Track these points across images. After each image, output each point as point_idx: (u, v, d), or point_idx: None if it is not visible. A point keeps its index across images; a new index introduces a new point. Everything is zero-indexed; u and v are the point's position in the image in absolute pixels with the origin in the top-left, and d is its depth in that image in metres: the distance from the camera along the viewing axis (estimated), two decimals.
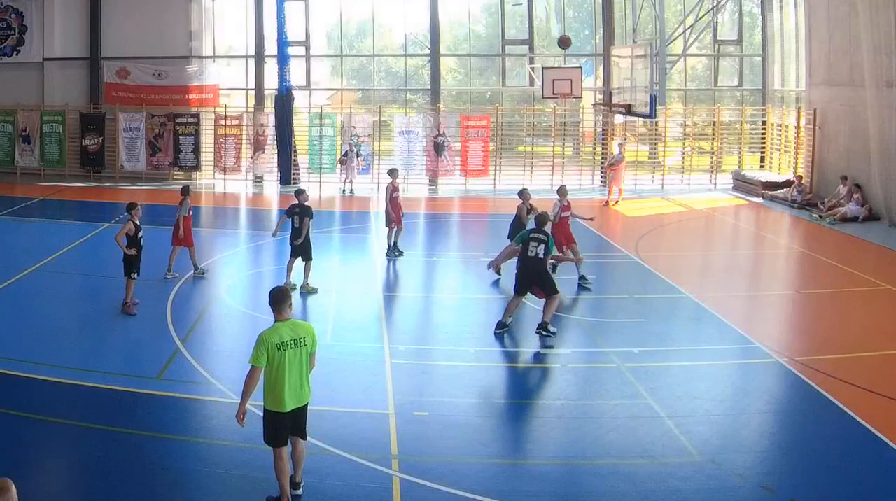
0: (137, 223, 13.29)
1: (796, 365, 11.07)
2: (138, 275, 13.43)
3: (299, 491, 7.65)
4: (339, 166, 27.35)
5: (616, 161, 25.01)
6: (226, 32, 30.49)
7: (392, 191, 17.55)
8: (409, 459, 8.43)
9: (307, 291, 14.53)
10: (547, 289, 12.26)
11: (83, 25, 28.66)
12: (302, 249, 14.72)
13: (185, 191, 16.09)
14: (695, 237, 21.62)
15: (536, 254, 12.21)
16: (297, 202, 14.83)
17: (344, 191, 27.03)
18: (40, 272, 15.75)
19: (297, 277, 14.76)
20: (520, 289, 12.50)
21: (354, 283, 15.79)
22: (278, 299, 7.38)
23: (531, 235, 12.43)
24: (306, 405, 7.46)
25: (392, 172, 18.07)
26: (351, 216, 24.10)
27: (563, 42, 15.23)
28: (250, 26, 29.06)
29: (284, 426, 7.31)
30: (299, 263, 14.84)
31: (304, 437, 7.57)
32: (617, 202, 24.68)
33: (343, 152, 27.33)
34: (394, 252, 17.47)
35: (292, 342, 7.24)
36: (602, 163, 28.65)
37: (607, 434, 9.16)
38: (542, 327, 12.07)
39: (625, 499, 7.75)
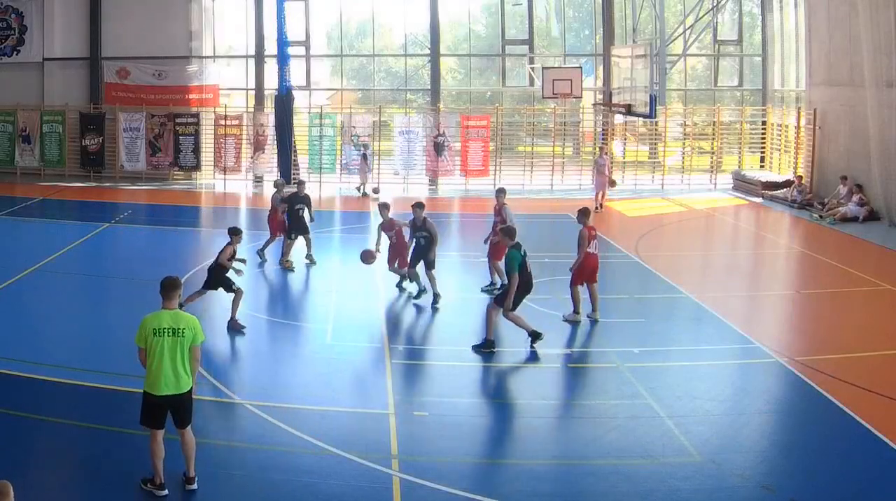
0: (236, 249, 13.17)
1: (796, 365, 11.06)
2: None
3: (193, 486, 7.67)
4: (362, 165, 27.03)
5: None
6: (226, 32, 30.51)
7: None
8: (409, 459, 8.43)
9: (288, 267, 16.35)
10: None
11: (83, 25, 28.67)
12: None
13: (278, 185, 18.03)
14: (695, 237, 21.62)
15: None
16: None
17: (361, 191, 26.78)
18: (40, 272, 15.74)
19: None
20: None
21: (354, 283, 15.78)
22: (167, 287, 7.68)
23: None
24: (185, 394, 7.60)
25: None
26: (351, 216, 24.09)
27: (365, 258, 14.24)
28: (250, 26, 29.06)
29: (158, 409, 7.50)
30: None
31: (184, 426, 7.66)
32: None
33: (361, 154, 27.09)
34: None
35: (170, 330, 7.47)
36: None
37: (607, 434, 9.16)
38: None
39: (625, 499, 7.75)
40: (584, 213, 13.15)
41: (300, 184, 18.01)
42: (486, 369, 11.23)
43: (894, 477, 8.14)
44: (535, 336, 11.64)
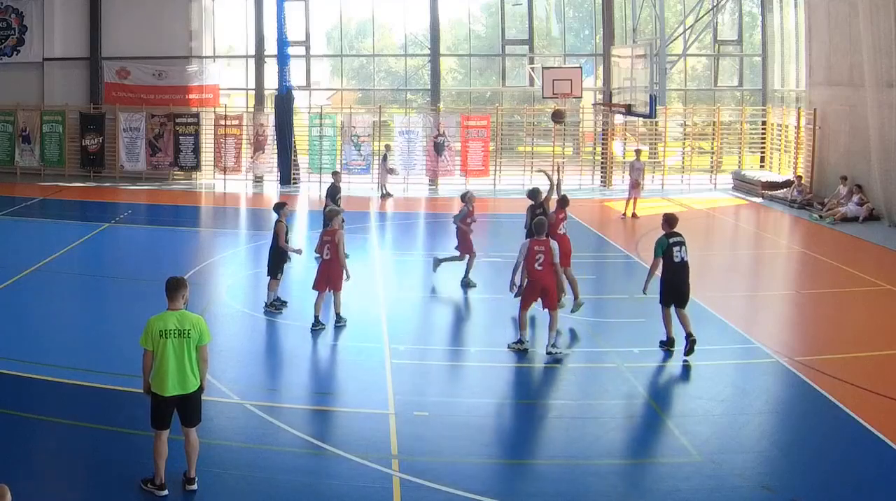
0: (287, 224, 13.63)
1: (796, 365, 11.06)
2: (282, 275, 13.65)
3: (193, 487, 7.67)
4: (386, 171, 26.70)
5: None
6: (226, 32, 30.49)
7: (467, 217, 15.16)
8: (409, 459, 8.43)
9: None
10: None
11: (83, 25, 28.66)
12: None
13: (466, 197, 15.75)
14: (695, 237, 21.49)
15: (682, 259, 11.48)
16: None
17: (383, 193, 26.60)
18: (40, 272, 15.74)
19: None
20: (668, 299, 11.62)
21: (354, 283, 15.77)
22: (171, 288, 7.67)
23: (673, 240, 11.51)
24: (193, 394, 7.61)
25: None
26: (350, 216, 24.04)
27: (557, 115, 13.80)
28: (250, 26, 29.05)
29: (166, 410, 7.52)
30: None
31: (191, 425, 7.67)
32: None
33: (383, 156, 26.86)
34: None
35: (176, 332, 7.49)
36: (602, 163, 28.62)
37: (607, 434, 9.16)
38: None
39: (625, 499, 7.75)
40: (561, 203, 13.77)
41: (336, 173, 18.74)
42: (487, 369, 11.22)
43: (894, 477, 8.14)
44: (670, 342, 11.50)
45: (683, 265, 11.49)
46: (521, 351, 11.51)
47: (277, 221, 13.42)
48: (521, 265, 11.62)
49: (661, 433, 9.07)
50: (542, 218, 12.20)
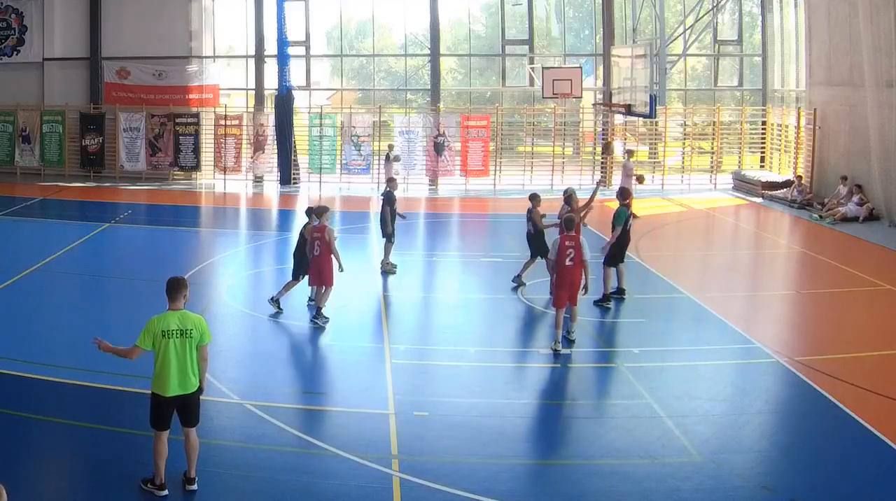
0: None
1: (796, 365, 11.06)
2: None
3: (194, 487, 7.68)
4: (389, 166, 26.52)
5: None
6: (226, 32, 30.49)
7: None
8: (409, 459, 8.43)
9: (387, 270, 16.03)
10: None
11: (83, 25, 28.66)
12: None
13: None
14: (695, 237, 21.61)
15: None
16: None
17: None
18: (40, 272, 15.74)
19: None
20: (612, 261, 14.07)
21: (354, 283, 15.78)
22: (172, 288, 7.65)
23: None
24: (193, 394, 7.61)
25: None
26: (351, 216, 24.08)
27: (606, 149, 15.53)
28: (250, 26, 29.05)
29: (166, 410, 7.52)
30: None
31: (190, 425, 7.67)
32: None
33: (385, 156, 26.80)
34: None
35: (178, 332, 7.48)
36: (602, 163, 28.62)
37: (607, 434, 9.16)
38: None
39: (625, 499, 7.75)
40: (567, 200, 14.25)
41: (392, 180, 17.06)
42: (487, 369, 11.22)
43: (894, 477, 8.15)
44: (606, 298, 13.74)
45: (629, 230, 14.28)
46: (557, 352, 11.47)
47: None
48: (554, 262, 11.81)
49: (661, 433, 9.07)
50: (572, 214, 12.47)
